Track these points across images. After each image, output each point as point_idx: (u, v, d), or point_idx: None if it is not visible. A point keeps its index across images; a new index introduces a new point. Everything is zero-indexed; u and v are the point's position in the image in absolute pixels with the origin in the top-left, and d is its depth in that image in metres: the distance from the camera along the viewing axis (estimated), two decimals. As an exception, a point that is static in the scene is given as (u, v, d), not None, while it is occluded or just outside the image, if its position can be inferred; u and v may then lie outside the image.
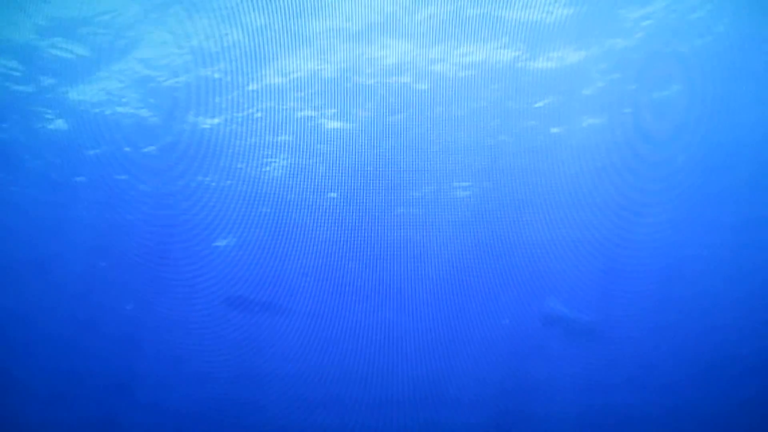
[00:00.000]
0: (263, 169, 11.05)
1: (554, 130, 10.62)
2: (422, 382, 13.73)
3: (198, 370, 13.36)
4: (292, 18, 8.51)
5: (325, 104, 10.02)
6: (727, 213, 11.75)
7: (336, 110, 10.06)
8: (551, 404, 13.65)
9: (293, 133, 10.46)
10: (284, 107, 10.10)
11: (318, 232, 11.96)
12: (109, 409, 12.72)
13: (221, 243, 12.40)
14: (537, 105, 10.23)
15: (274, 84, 9.77)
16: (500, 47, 9.19)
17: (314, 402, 13.35)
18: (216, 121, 10.28)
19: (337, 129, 10.29)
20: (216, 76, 9.66)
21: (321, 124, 10.36)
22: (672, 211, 11.90)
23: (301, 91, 9.89)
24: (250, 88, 9.79)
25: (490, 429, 14.11)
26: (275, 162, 11.00)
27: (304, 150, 10.67)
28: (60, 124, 10.38)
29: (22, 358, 12.86)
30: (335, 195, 11.26)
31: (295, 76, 9.70)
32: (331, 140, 10.39)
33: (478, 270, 12.84)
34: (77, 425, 12.30)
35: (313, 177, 10.99)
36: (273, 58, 9.29)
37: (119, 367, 13.07)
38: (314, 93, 9.92)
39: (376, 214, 11.62)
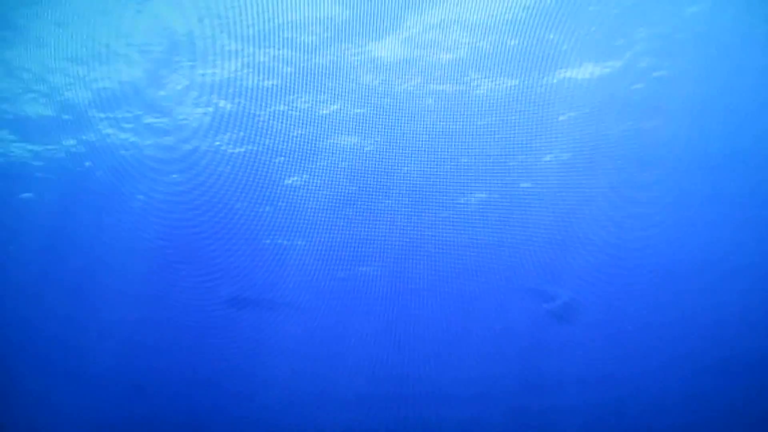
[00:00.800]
0: (284, 182, 11.38)
1: (554, 134, 10.75)
2: (431, 381, 13.98)
3: (205, 370, 13.71)
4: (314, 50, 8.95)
5: (342, 121, 10.39)
6: (730, 211, 11.81)
7: (354, 127, 10.44)
8: (561, 400, 13.85)
9: (311, 148, 10.81)
10: (305, 127, 10.47)
11: (330, 236, 12.22)
12: (127, 411, 13.11)
13: (258, 243, 12.60)
14: (538, 114, 10.36)
15: (299, 108, 10.16)
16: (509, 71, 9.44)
17: (321, 399, 13.67)
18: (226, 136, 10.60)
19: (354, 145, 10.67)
20: (232, 106, 10.05)
21: (339, 140, 10.69)
22: (674, 209, 11.99)
23: (319, 112, 10.25)
24: (264, 111, 10.10)
25: (503, 425, 14.35)
26: (296, 176, 11.33)
27: (322, 165, 11.04)
28: (101, 137, 10.67)
29: (50, 361, 13.23)
30: (350, 202, 11.57)
31: (315, 97, 10.05)
32: (345, 156, 10.78)
33: (484, 269, 13.02)
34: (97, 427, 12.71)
35: (331, 188, 11.34)
36: (298, 84, 9.71)
37: (137, 370, 13.42)
38: (330, 112, 10.25)
39: (385, 218, 11.86)
